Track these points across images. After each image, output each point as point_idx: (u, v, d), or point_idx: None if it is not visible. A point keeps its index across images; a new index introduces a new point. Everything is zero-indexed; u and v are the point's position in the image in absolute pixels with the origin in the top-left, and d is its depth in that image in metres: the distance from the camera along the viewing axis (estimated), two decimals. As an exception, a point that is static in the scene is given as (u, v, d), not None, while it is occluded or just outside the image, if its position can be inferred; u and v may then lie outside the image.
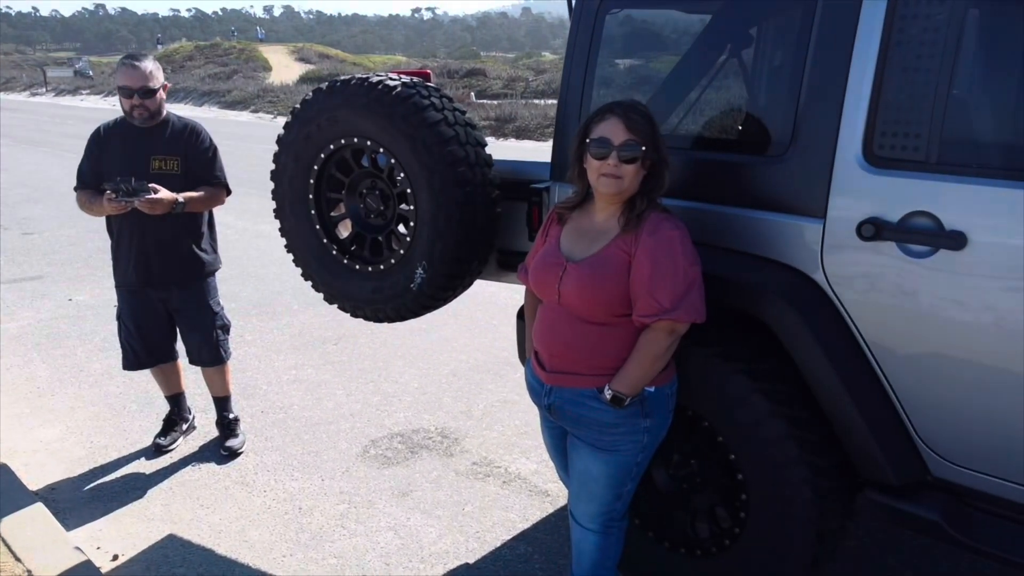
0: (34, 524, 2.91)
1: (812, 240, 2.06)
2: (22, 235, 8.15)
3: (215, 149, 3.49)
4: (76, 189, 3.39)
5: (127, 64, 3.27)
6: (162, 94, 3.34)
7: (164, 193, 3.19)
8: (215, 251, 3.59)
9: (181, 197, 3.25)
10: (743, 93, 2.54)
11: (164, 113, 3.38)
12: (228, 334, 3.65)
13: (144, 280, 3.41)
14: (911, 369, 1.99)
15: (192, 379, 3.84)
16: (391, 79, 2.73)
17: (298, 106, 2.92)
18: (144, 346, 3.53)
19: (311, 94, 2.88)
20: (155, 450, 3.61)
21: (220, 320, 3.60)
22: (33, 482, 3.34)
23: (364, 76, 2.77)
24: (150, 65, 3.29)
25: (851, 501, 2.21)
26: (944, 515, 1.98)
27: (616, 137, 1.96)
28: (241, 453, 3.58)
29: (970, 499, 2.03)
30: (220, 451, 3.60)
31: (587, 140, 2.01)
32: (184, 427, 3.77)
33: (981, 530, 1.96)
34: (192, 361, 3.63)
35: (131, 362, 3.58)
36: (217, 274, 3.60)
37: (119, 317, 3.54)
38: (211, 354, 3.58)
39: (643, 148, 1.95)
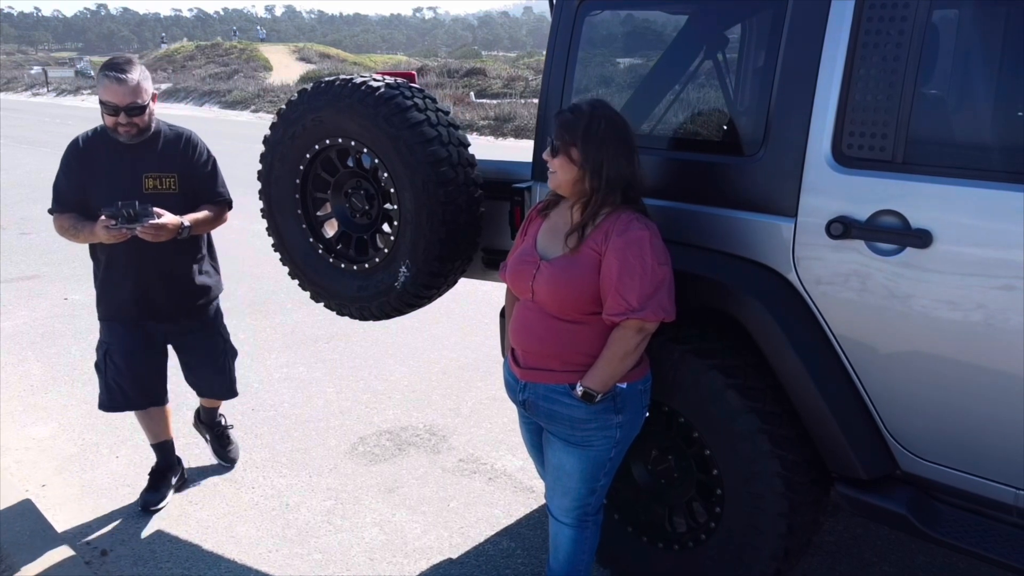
0: (23, 520, 2.95)
1: (784, 239, 2.10)
2: (20, 235, 8.19)
3: (214, 161, 3.12)
4: (53, 212, 2.92)
5: (111, 77, 2.78)
6: (152, 106, 2.91)
7: (168, 217, 2.80)
8: (218, 272, 3.27)
9: (187, 220, 2.90)
10: (717, 94, 2.58)
11: (154, 124, 2.96)
12: (235, 361, 3.36)
13: (147, 313, 3.03)
14: (880, 365, 2.02)
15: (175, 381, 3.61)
16: (375, 80, 2.76)
17: (284, 107, 2.95)
18: (139, 386, 3.09)
19: (296, 95, 2.92)
20: (142, 509, 3.14)
21: (232, 348, 3.32)
22: (24, 479, 3.38)
23: (348, 77, 2.80)
24: (137, 76, 2.81)
25: (823, 495, 2.25)
26: (911, 509, 2.01)
27: (553, 132, 2.04)
28: (236, 461, 3.45)
29: (937, 493, 2.06)
30: (219, 463, 3.44)
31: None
32: (175, 480, 3.29)
33: (947, 524, 1.99)
34: (203, 395, 3.35)
35: (118, 402, 3.10)
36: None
37: (103, 351, 3.07)
38: (225, 386, 3.29)
39: (556, 143, 2.02)
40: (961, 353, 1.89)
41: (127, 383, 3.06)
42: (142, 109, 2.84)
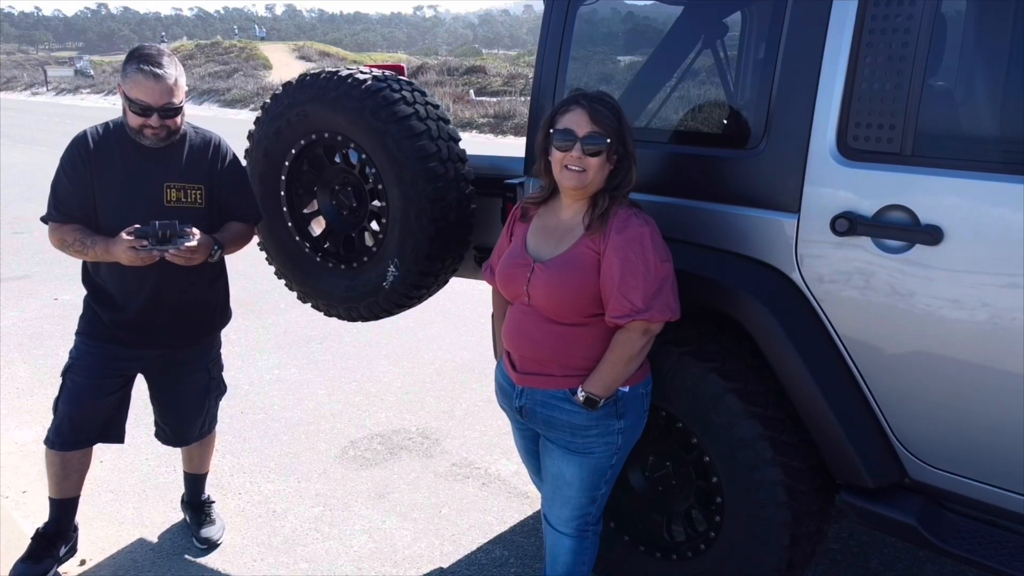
0: (-1, 528, 2.86)
1: (786, 235, 2.00)
2: (12, 234, 8.10)
3: (244, 172, 2.72)
4: (49, 221, 2.47)
5: (145, 71, 2.33)
6: (185, 106, 2.50)
7: (201, 238, 2.40)
8: (228, 296, 2.82)
9: (218, 241, 2.50)
10: (716, 84, 2.48)
11: (183, 128, 2.53)
12: (220, 400, 2.92)
13: (145, 342, 2.59)
14: (887, 368, 1.93)
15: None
16: (361, 72, 2.67)
17: (268, 101, 2.86)
18: (97, 418, 2.61)
19: (281, 89, 2.83)
20: None
21: (222, 384, 2.89)
22: (5, 485, 3.28)
23: (334, 70, 2.71)
24: (174, 71, 2.39)
25: (828, 504, 2.15)
26: (920, 519, 1.92)
27: (580, 129, 1.90)
28: (220, 544, 2.87)
29: (948, 503, 1.97)
30: (195, 544, 2.87)
31: (551, 131, 1.96)
32: (63, 551, 2.69)
33: (958, 534, 1.90)
34: (167, 439, 2.86)
35: (67, 440, 2.58)
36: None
37: (68, 373, 2.62)
38: (208, 425, 2.88)
39: (608, 140, 1.89)
40: (973, 355, 1.80)
41: (89, 413, 2.59)
42: (177, 111, 2.42)
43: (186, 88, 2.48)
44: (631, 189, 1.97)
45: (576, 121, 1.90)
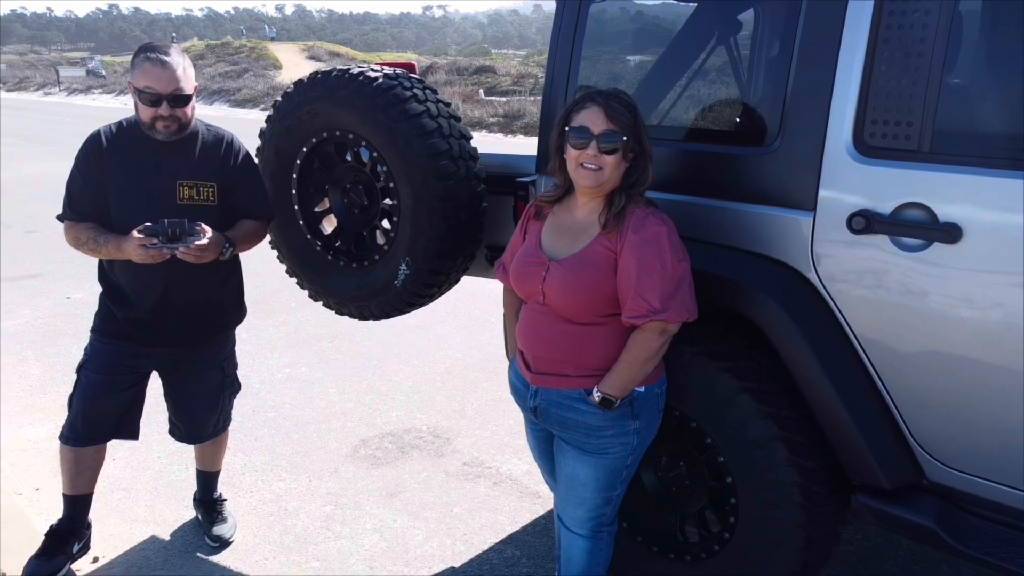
0: (11, 525, 2.87)
1: (802, 234, 1.98)
2: (25, 233, 8.15)
3: (258, 170, 2.71)
4: (65, 220, 2.49)
5: (152, 59, 2.36)
6: (195, 100, 2.50)
7: (211, 235, 2.39)
8: (242, 294, 2.81)
9: (230, 239, 2.50)
10: (730, 81, 2.46)
11: (194, 123, 2.54)
12: (235, 398, 2.93)
13: (158, 339, 2.59)
14: (905, 368, 1.90)
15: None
16: (372, 70, 2.67)
17: (279, 99, 2.86)
18: (110, 414, 2.63)
19: (292, 87, 2.82)
20: None
21: (236, 382, 2.90)
22: (18, 482, 3.30)
23: (345, 68, 2.71)
24: (182, 60, 2.41)
25: (844, 505, 2.13)
26: (939, 521, 1.89)
27: (596, 126, 1.88)
28: (232, 542, 2.88)
29: (967, 504, 1.94)
30: (207, 542, 2.88)
31: (566, 129, 1.94)
32: (76, 548, 2.70)
33: (977, 536, 1.87)
34: (181, 436, 2.86)
35: (81, 436, 2.60)
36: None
37: (83, 370, 2.64)
38: (223, 423, 2.88)
39: (624, 138, 1.88)
40: (992, 355, 1.77)
41: (101, 409, 2.60)
42: (187, 99, 2.42)
43: (196, 83, 2.49)
44: (647, 187, 1.95)
45: (592, 119, 1.89)
